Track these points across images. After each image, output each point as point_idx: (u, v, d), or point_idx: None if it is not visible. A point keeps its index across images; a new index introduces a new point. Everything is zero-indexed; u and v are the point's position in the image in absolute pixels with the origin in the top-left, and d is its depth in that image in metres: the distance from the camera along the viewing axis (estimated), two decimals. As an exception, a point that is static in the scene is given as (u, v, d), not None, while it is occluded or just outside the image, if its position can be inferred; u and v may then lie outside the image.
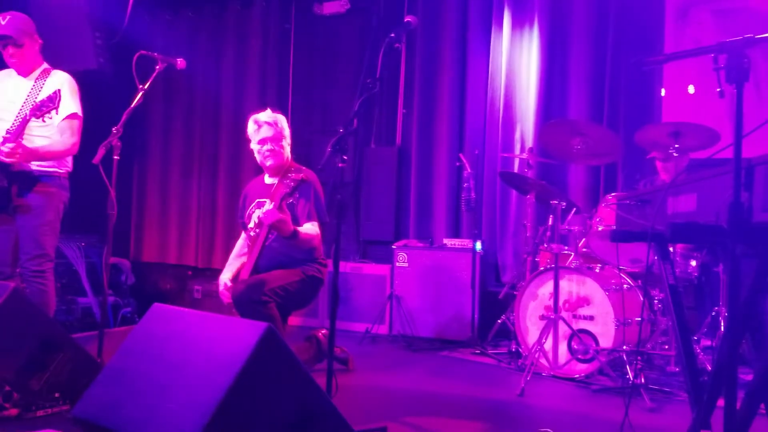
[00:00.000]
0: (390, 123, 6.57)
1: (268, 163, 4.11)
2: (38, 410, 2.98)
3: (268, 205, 3.76)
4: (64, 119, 3.86)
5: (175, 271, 7.51)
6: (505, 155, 5.74)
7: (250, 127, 4.13)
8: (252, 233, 4.04)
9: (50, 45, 4.11)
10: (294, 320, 5.88)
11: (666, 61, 4.59)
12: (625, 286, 4.33)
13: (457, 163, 5.75)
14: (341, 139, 2.98)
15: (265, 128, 4.08)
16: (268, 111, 4.16)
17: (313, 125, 6.89)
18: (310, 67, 6.94)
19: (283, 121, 4.15)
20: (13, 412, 2.90)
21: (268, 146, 4.08)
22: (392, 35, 3.18)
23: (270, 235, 3.87)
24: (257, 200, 4.12)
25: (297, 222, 3.95)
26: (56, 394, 3.04)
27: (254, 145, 4.14)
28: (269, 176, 4.20)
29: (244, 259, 4.11)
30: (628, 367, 4.00)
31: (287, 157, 4.16)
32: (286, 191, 3.65)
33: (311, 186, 4.02)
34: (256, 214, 4.02)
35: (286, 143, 4.15)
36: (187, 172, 7.48)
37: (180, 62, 3.98)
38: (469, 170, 5.32)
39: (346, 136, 3.01)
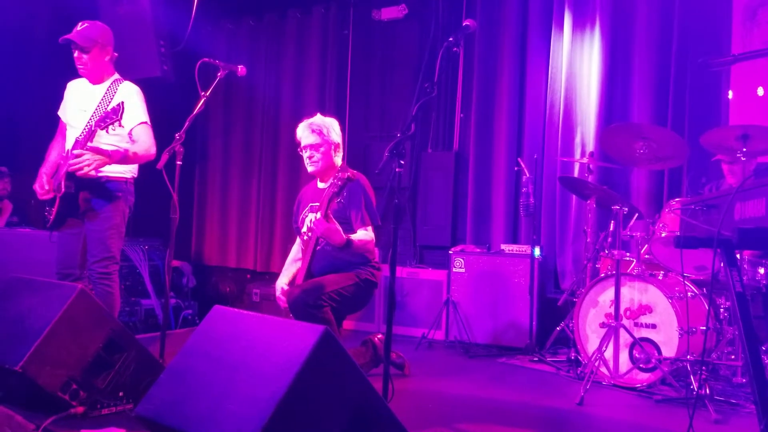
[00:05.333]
0: (447, 127, 6.55)
1: (310, 169, 4.15)
2: (103, 408, 3.06)
3: (316, 215, 3.79)
4: (137, 126, 3.95)
5: (235, 274, 7.64)
6: (565, 160, 5.65)
7: (298, 130, 4.18)
8: (305, 237, 4.08)
9: (117, 54, 4.23)
10: (348, 324, 5.91)
11: (734, 62, 4.44)
12: (689, 293, 4.21)
13: (516, 168, 5.70)
14: (399, 143, 2.98)
15: (308, 135, 4.10)
16: (317, 116, 4.19)
17: (371, 130, 6.92)
18: (368, 72, 6.98)
19: (330, 127, 4.14)
20: (80, 409, 2.98)
21: (308, 153, 4.11)
22: (450, 39, 3.18)
23: (321, 240, 3.90)
24: (310, 205, 4.16)
25: (351, 228, 3.97)
26: (120, 393, 3.12)
27: (301, 151, 4.18)
28: (321, 181, 4.23)
29: (299, 264, 4.14)
30: (692, 377, 3.88)
31: (333, 163, 4.15)
32: (333, 191, 3.68)
33: (362, 190, 4.03)
34: (309, 219, 4.05)
35: (331, 149, 4.13)
36: (246, 177, 7.61)
37: (241, 69, 4.05)
38: (527, 175, 5.26)
39: (404, 140, 3.01)
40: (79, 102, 4.06)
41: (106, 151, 3.78)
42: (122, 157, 3.85)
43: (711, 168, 4.70)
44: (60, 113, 4.18)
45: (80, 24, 4.00)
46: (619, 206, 4.40)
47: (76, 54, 3.98)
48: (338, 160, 4.20)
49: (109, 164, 3.83)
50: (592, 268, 4.78)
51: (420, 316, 5.75)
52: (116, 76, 4.11)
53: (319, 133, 4.09)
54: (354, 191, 4.00)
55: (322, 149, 4.09)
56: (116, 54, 4.12)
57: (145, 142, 3.95)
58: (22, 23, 6.57)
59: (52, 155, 4.09)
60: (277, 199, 7.35)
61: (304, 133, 4.13)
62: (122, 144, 3.94)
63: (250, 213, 7.57)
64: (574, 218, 5.73)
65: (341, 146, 4.23)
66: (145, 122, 3.99)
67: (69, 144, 3.94)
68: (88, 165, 3.72)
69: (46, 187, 3.91)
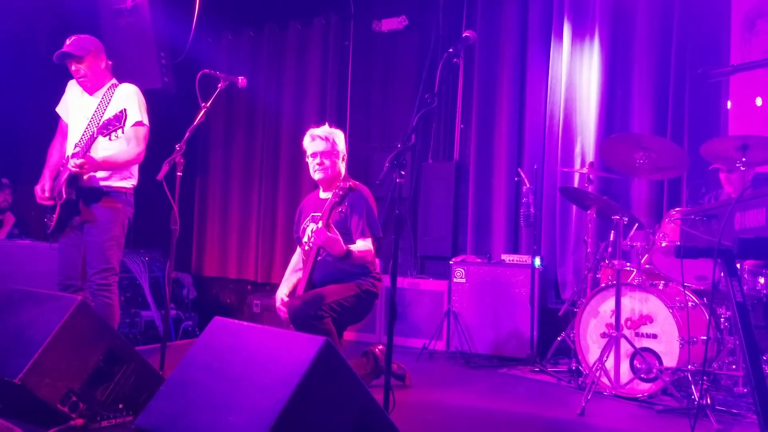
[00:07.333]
0: (448, 138, 6.55)
1: (317, 176, 4.17)
2: (103, 421, 3.05)
3: (317, 225, 3.80)
4: (131, 127, 3.92)
5: (236, 285, 7.63)
6: (565, 170, 5.65)
7: (306, 140, 4.21)
8: (306, 247, 4.08)
9: (118, 65, 4.25)
10: (349, 335, 5.89)
11: (733, 73, 4.45)
12: (690, 303, 4.20)
13: (516, 178, 5.70)
14: (399, 154, 2.99)
15: (318, 142, 4.14)
16: (325, 126, 4.24)
17: (372, 141, 6.92)
18: (369, 83, 6.99)
19: (337, 137, 4.19)
20: (80, 422, 2.97)
21: (318, 160, 4.14)
22: (451, 50, 3.18)
23: (321, 251, 3.91)
24: (311, 214, 4.17)
25: (350, 238, 3.97)
26: (120, 405, 3.11)
27: (308, 158, 4.20)
28: (323, 191, 4.24)
29: (300, 274, 4.14)
30: (693, 387, 3.87)
31: (339, 172, 4.19)
32: (335, 200, 3.71)
33: (364, 200, 4.04)
34: (310, 228, 4.06)
35: (339, 159, 4.18)
36: (247, 188, 7.61)
37: (241, 80, 4.06)
38: (528, 185, 5.27)
39: (404, 151, 3.01)
40: (79, 106, 4.07)
41: (96, 160, 3.80)
42: (109, 163, 3.88)
43: (710, 178, 4.70)
44: (60, 111, 4.18)
45: (68, 39, 4.03)
46: (619, 216, 4.40)
47: (73, 67, 4.00)
48: (343, 170, 4.23)
49: (99, 170, 3.85)
50: (592, 278, 4.78)
51: (421, 326, 5.74)
52: (113, 81, 4.12)
53: (327, 140, 4.14)
54: (356, 202, 4.01)
55: (331, 156, 4.14)
56: (110, 62, 4.14)
57: (134, 147, 3.95)
58: (23, 36, 6.60)
59: (54, 157, 4.10)
60: (277, 209, 7.35)
61: (314, 140, 4.16)
62: (120, 147, 3.94)
63: (250, 224, 7.57)
64: (575, 228, 5.73)
65: (345, 157, 4.26)
66: (140, 122, 3.99)
67: (69, 150, 3.95)
68: (85, 172, 3.76)
69: (47, 194, 3.91)
